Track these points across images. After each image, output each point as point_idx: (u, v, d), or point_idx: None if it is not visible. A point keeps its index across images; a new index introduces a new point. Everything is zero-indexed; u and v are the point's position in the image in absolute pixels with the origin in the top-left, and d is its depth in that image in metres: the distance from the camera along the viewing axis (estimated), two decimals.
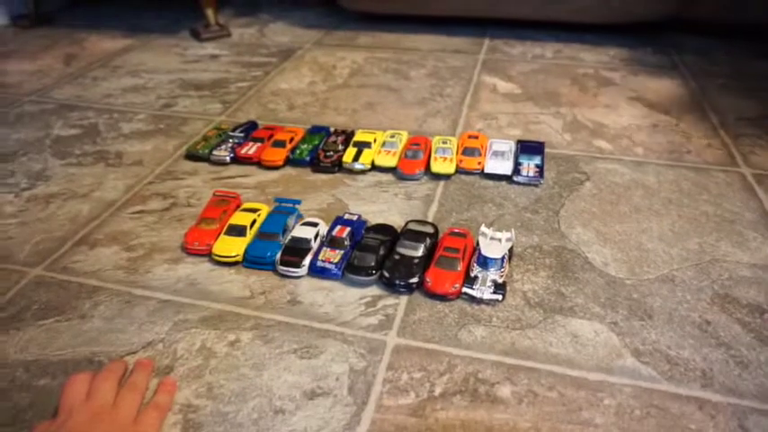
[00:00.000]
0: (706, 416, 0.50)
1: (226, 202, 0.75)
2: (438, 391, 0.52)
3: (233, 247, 0.68)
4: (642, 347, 0.57)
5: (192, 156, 0.90)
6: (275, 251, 0.67)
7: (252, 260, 0.67)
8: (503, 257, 0.64)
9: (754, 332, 0.58)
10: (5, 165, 0.90)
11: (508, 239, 0.67)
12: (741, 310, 0.61)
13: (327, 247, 0.67)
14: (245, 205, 0.75)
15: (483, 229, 0.68)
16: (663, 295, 0.63)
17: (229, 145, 0.90)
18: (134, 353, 0.57)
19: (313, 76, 1.21)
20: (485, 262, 0.64)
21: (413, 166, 0.84)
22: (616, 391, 0.52)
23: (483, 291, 0.61)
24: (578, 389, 0.53)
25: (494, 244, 0.66)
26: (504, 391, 0.52)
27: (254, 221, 0.71)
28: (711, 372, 0.54)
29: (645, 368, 0.54)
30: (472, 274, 0.63)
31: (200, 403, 0.51)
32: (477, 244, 0.67)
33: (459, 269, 0.63)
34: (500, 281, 0.62)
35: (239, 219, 0.71)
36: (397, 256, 0.65)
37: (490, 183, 0.83)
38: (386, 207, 0.78)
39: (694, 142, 0.93)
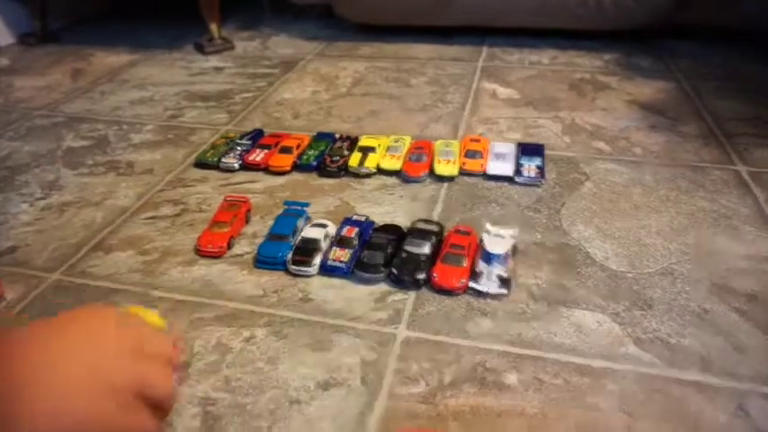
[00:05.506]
0: (706, 398, 0.52)
1: (236, 207, 0.77)
2: (447, 379, 0.54)
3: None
4: (643, 336, 0.59)
5: (201, 164, 0.92)
6: (286, 251, 0.69)
7: (264, 260, 0.69)
8: (506, 253, 0.66)
9: (752, 320, 0.60)
10: (19, 176, 0.92)
11: (511, 236, 0.69)
12: (739, 299, 0.63)
13: (337, 246, 0.69)
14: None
15: (487, 226, 0.71)
16: (662, 287, 0.65)
17: (237, 152, 0.92)
18: None
19: (316, 85, 1.24)
20: (489, 258, 0.66)
21: (417, 168, 0.86)
22: (619, 378, 0.54)
23: (489, 285, 0.63)
24: (583, 376, 0.54)
25: (497, 240, 0.68)
26: (511, 378, 0.54)
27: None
28: (710, 357, 0.56)
29: (646, 355, 0.56)
30: (477, 270, 0.65)
31: (219, 396, 0.53)
32: (482, 241, 0.69)
33: (464, 265, 0.65)
34: (505, 276, 0.65)
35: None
36: (404, 254, 0.67)
37: (492, 184, 0.85)
38: (392, 209, 0.80)
39: (691, 142, 0.95)
